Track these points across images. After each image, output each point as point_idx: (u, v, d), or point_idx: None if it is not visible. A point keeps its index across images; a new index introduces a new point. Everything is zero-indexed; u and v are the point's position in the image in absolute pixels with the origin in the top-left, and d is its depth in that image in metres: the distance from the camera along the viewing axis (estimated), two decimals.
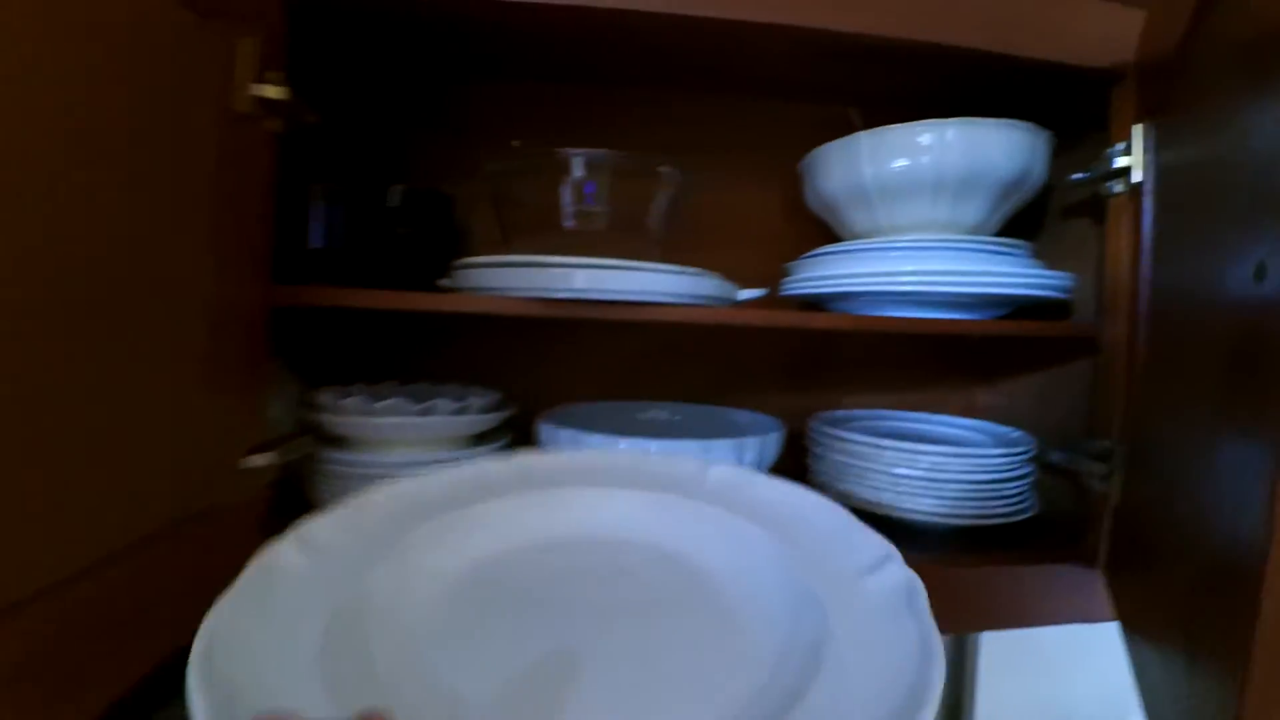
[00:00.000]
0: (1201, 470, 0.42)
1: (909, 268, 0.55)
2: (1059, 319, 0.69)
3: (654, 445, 0.56)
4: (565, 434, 0.59)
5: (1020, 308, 0.63)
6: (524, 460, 0.49)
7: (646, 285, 0.53)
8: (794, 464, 0.83)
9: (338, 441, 0.60)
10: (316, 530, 0.35)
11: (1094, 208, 0.67)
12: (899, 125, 0.58)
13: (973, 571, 0.57)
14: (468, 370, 0.78)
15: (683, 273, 0.54)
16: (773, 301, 0.68)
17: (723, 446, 0.55)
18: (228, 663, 0.24)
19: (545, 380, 0.81)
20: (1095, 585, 0.60)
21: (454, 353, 0.80)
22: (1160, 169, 0.52)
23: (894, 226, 0.62)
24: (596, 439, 0.57)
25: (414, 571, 0.34)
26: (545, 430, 0.62)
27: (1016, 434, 0.64)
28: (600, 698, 0.28)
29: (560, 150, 0.57)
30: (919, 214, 0.61)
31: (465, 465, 0.47)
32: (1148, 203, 0.53)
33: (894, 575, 0.32)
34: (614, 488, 0.44)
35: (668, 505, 0.43)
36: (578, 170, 0.57)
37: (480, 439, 0.67)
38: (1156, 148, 0.52)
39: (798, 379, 0.85)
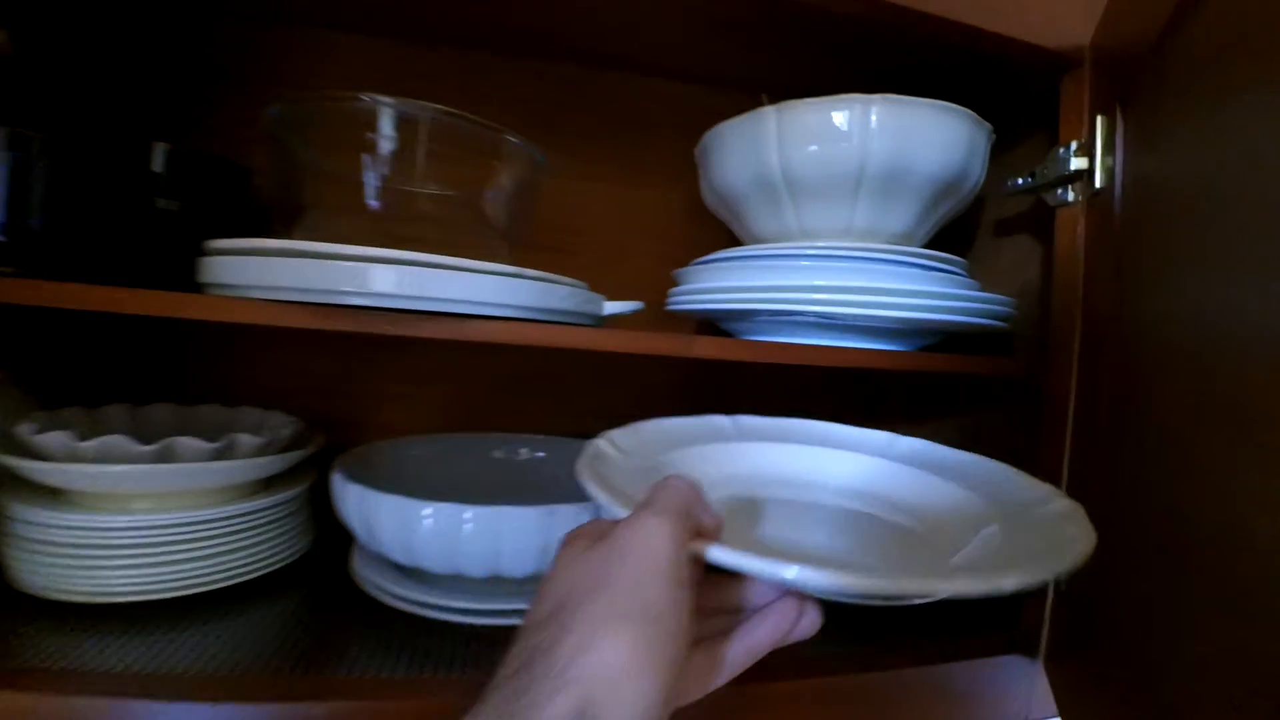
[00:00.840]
0: (1220, 548, 0.31)
1: (821, 282, 0.42)
2: (996, 353, 0.58)
3: (468, 513, 0.40)
4: (353, 491, 0.42)
5: (952, 336, 0.52)
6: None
7: (475, 293, 0.38)
8: None
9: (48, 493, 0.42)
10: (616, 436, 0.41)
11: (1037, 222, 0.57)
12: (813, 100, 0.46)
13: (890, 677, 0.45)
14: (265, 385, 0.60)
15: (525, 277, 0.39)
16: (656, 318, 0.54)
17: (566, 514, 0.40)
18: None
19: (371, 402, 0.64)
20: (1036, 679, 0.49)
21: (245, 361, 0.62)
22: (1134, 175, 0.41)
23: (805, 231, 0.50)
24: (391, 503, 0.41)
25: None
26: (337, 482, 0.45)
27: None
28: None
29: (363, 97, 0.41)
30: (836, 217, 0.49)
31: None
32: (1114, 214, 0.42)
33: (1060, 505, 0.35)
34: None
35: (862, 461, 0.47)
36: (387, 128, 0.41)
37: (269, 484, 0.50)
38: (1127, 148, 0.42)
39: (692, 408, 0.71)
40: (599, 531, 0.27)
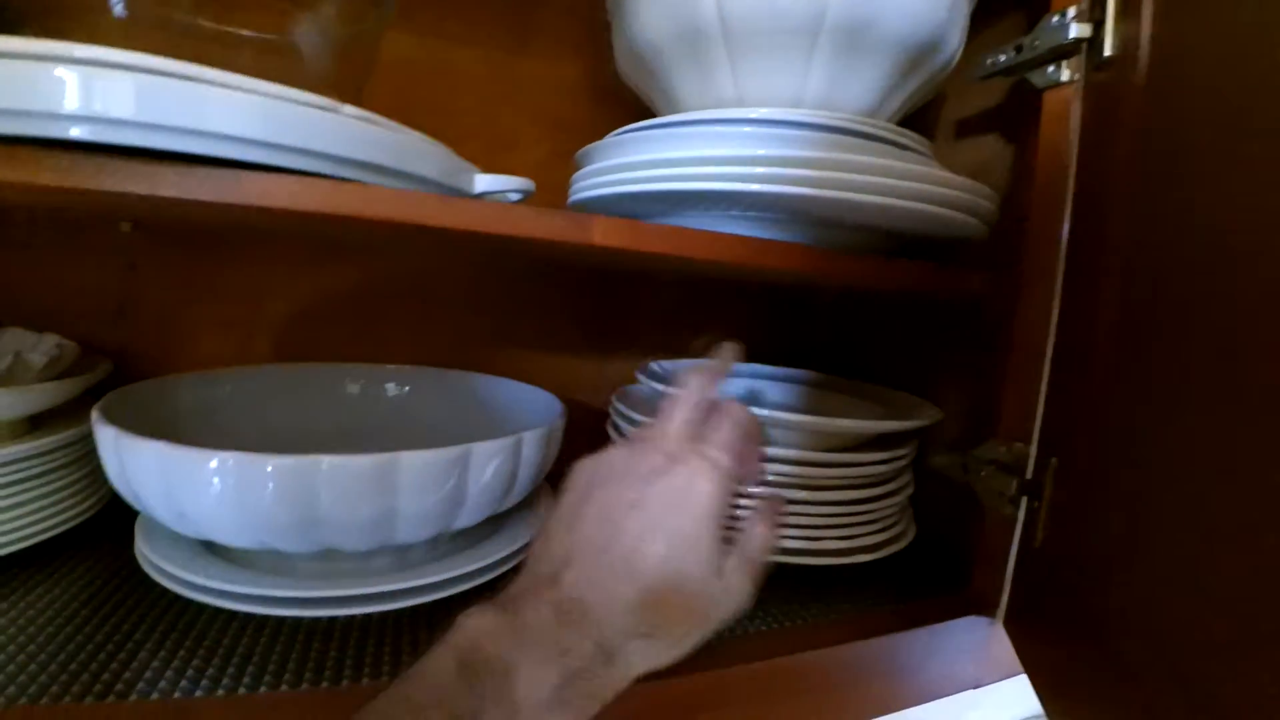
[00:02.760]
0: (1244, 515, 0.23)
1: (765, 152, 0.31)
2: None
3: (325, 462, 0.28)
4: (108, 435, 0.29)
5: (903, 248, 0.43)
6: None
7: (269, 129, 0.24)
8: (592, 453, 0.60)
9: None
10: None
11: (1009, 116, 0.49)
12: None
13: (843, 651, 0.37)
14: (38, 307, 0.45)
15: (346, 114, 0.26)
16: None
17: (412, 464, 0.29)
18: None
19: (186, 329, 0.49)
20: (994, 640, 0.42)
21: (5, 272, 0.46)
22: (1168, 37, 0.32)
23: (745, 102, 0.39)
24: (156, 453, 0.28)
25: None
26: (95, 423, 0.31)
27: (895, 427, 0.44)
28: None
29: None
30: (784, 83, 0.38)
31: None
32: (1132, 92, 0.33)
33: None
34: None
35: None
36: None
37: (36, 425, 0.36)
38: (1157, 6, 0.33)
39: (594, 334, 0.60)
40: (658, 453, 0.27)
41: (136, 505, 0.32)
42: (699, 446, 0.27)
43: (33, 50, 0.22)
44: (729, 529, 0.34)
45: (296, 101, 0.25)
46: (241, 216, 0.29)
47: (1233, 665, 0.24)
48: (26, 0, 0.32)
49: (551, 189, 0.50)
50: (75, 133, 0.23)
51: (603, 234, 0.27)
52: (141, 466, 0.29)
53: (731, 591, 0.26)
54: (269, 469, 0.28)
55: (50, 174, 0.24)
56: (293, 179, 0.25)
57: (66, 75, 0.22)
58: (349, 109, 0.26)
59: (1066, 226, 0.39)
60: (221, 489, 0.28)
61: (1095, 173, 0.37)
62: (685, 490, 0.25)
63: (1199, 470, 0.25)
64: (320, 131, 0.25)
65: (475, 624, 0.23)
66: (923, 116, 0.53)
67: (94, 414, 0.32)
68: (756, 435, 0.31)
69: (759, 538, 0.29)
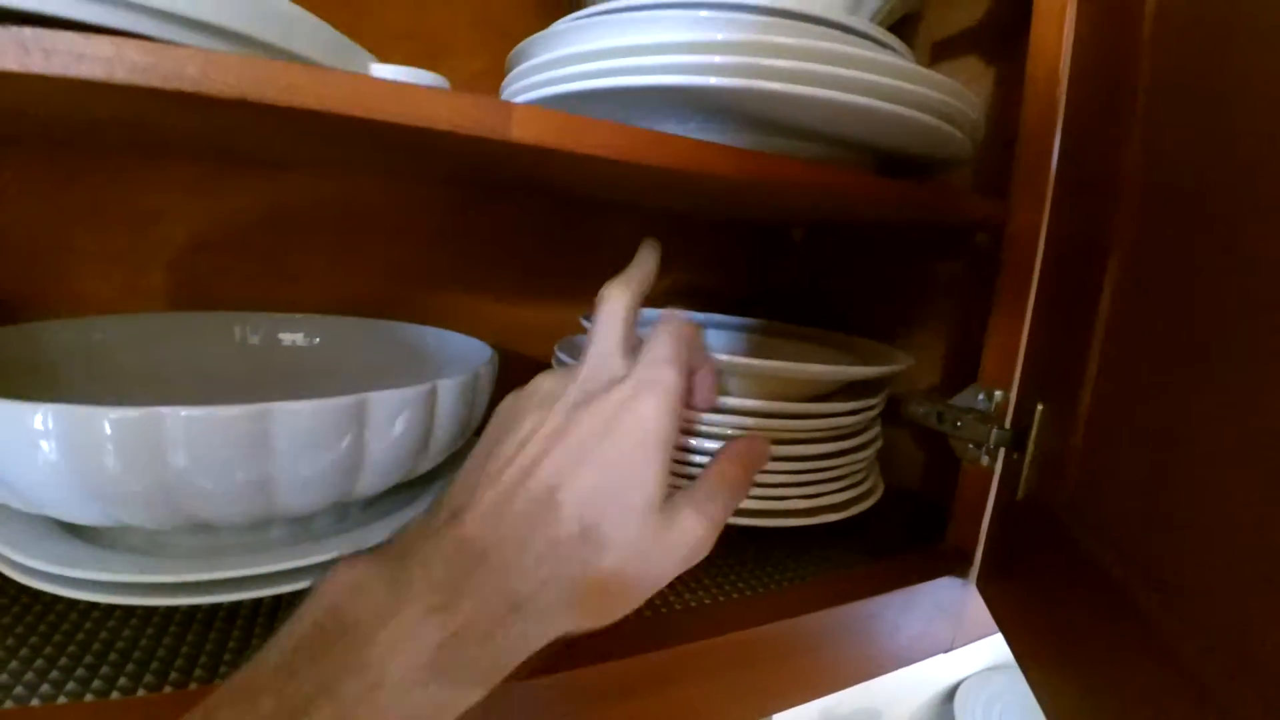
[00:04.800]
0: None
1: (724, 38, 0.26)
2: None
3: (180, 414, 0.22)
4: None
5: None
6: None
7: None
8: None
9: None
10: None
11: (989, 33, 0.44)
12: None
13: (810, 620, 0.33)
14: None
15: None
16: None
17: (288, 415, 0.23)
18: None
19: (57, 264, 0.42)
20: (968, 601, 0.40)
21: None
22: None
23: None
24: (9, 412, 0.22)
25: None
26: None
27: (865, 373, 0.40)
28: None
29: None
30: None
31: None
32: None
33: None
34: None
35: None
36: None
37: None
38: None
39: (538, 278, 0.55)
40: (591, 375, 0.23)
41: None
42: (636, 364, 0.23)
43: None
44: (680, 462, 0.32)
45: None
46: (54, 98, 0.23)
47: (1256, 609, 0.20)
48: None
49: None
50: None
51: (522, 126, 0.22)
52: None
53: (681, 537, 0.22)
54: (107, 426, 0.22)
55: None
56: (110, 40, 0.19)
57: None
58: None
59: (1056, 147, 0.35)
60: (53, 452, 0.23)
61: (1098, 86, 0.32)
62: (620, 412, 0.21)
63: (1229, 410, 0.22)
64: None
65: (340, 579, 0.18)
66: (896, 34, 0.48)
67: None
68: (701, 347, 0.28)
69: (723, 477, 0.24)
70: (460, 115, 0.21)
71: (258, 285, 0.45)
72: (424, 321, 0.44)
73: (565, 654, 0.27)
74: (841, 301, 0.57)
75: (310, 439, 0.24)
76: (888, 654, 0.38)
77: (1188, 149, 0.25)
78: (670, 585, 0.33)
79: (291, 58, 0.23)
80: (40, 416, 0.22)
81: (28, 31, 0.19)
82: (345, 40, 0.26)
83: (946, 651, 0.41)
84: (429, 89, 0.21)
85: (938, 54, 0.48)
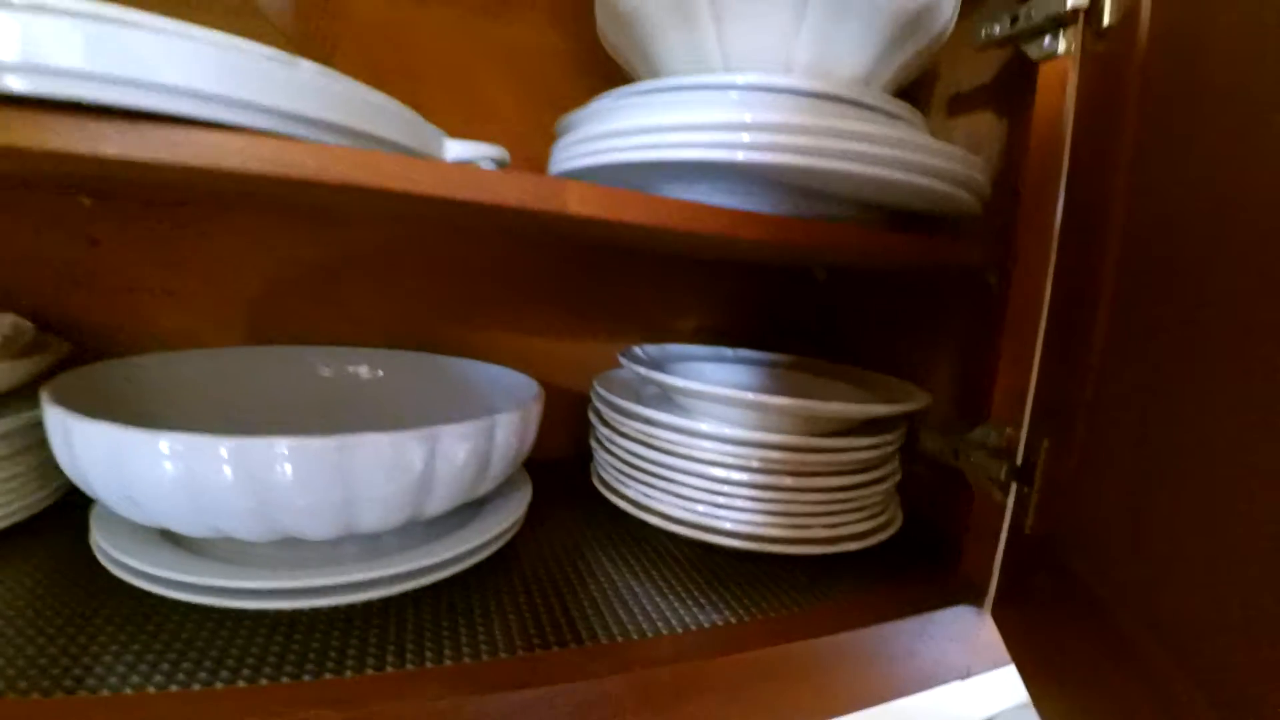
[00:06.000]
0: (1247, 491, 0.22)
1: (753, 118, 0.30)
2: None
3: (283, 444, 0.26)
4: (57, 417, 0.27)
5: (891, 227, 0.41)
6: None
7: (197, 77, 0.22)
8: (574, 439, 0.58)
9: None
10: None
11: (1002, 90, 0.47)
12: None
13: (831, 642, 0.36)
14: None
15: (305, 70, 0.24)
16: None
17: (370, 448, 0.27)
18: None
19: (143, 304, 0.47)
20: (983, 630, 0.41)
21: None
22: (1167, 12, 0.31)
23: (731, 63, 0.37)
24: (105, 436, 0.26)
25: None
26: (44, 405, 0.29)
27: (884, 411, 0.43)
28: None
29: None
30: (772, 45, 0.36)
31: None
32: (1131, 61, 0.32)
33: None
34: None
35: None
36: None
37: None
38: None
39: (577, 314, 0.58)
40: None
41: (90, 493, 0.30)
42: None
43: None
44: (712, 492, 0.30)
45: (251, 54, 0.23)
46: (192, 179, 0.27)
47: (1245, 645, 0.23)
48: None
49: (532, 163, 0.48)
50: (13, 84, 0.21)
51: (578, 201, 0.26)
52: (90, 449, 0.27)
53: None
54: (223, 451, 0.26)
55: None
56: (243, 137, 0.23)
57: (3, 20, 0.20)
58: (307, 63, 0.24)
59: (1061, 200, 0.38)
60: (174, 473, 0.27)
61: (1093, 145, 0.35)
62: None
63: (1206, 446, 0.24)
64: (276, 86, 0.24)
65: None
66: (915, 91, 0.52)
67: (43, 394, 0.30)
68: None
69: None
70: (526, 194, 0.25)
71: (320, 323, 0.49)
72: (472, 355, 0.48)
73: (590, 665, 0.30)
74: (862, 337, 0.60)
75: (390, 466, 0.28)
76: (904, 678, 0.40)
77: (1163, 204, 0.28)
78: (698, 604, 0.36)
79: (379, 140, 0.27)
80: (166, 443, 0.26)
81: (179, 133, 0.23)
82: (421, 120, 0.30)
83: (963, 679, 0.43)
84: (499, 174, 0.25)
85: (953, 108, 0.51)
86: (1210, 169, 0.27)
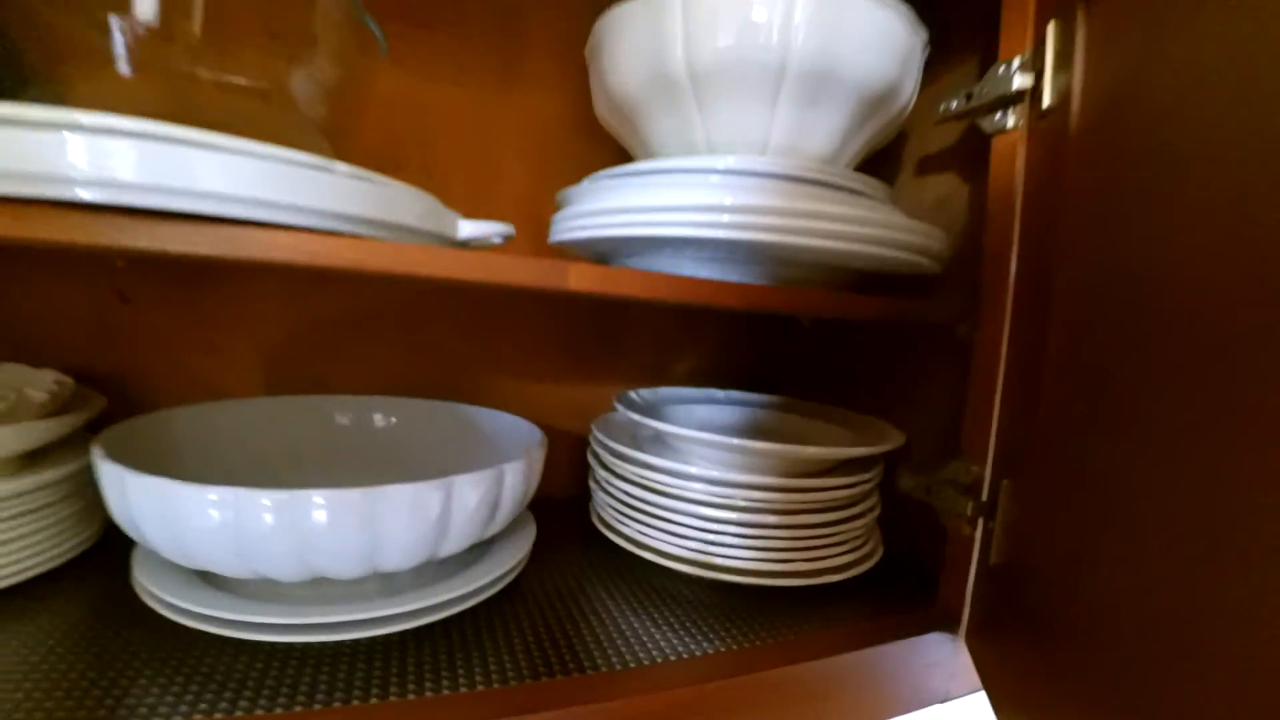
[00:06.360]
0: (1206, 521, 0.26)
1: (732, 201, 0.34)
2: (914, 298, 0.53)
3: (319, 496, 0.30)
4: (110, 472, 0.31)
5: (866, 282, 0.45)
6: None
7: (263, 188, 0.26)
8: (575, 478, 0.62)
9: None
10: None
11: (965, 155, 0.52)
12: None
13: (813, 667, 0.39)
14: (18, 333, 0.46)
15: (339, 173, 0.28)
16: (534, 254, 0.45)
17: (400, 496, 0.30)
18: None
19: (169, 356, 0.51)
20: (958, 656, 0.44)
21: None
22: (1097, 90, 0.35)
23: (714, 146, 0.41)
24: (158, 490, 0.30)
25: None
26: (96, 460, 0.33)
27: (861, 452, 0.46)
28: None
29: None
30: (751, 128, 0.40)
31: None
32: (1066, 138, 0.36)
33: None
34: None
35: None
36: None
37: (33, 461, 0.37)
38: (1089, 57, 0.36)
39: (576, 360, 0.62)
40: None
41: (138, 538, 0.33)
42: None
43: (42, 118, 0.24)
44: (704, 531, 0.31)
45: (293, 162, 0.27)
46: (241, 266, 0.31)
47: (1180, 677, 0.26)
48: (36, 56, 0.34)
49: (534, 220, 0.52)
50: (83, 195, 0.25)
51: (577, 279, 0.29)
52: (144, 502, 0.31)
53: None
54: (265, 503, 0.30)
55: (60, 231, 0.26)
56: (290, 235, 0.27)
57: (74, 141, 0.24)
58: (342, 166, 0.28)
59: (1014, 263, 0.42)
60: (220, 522, 0.30)
61: (1039, 213, 0.39)
62: None
63: (1142, 488, 0.28)
64: (316, 189, 0.28)
65: None
66: (887, 154, 0.56)
67: (95, 450, 0.34)
68: None
69: None
70: (531, 275, 0.29)
71: (337, 373, 0.53)
72: (480, 400, 0.52)
73: (591, 692, 0.33)
74: (846, 379, 0.64)
75: (411, 512, 0.31)
76: (886, 701, 0.43)
77: (1095, 268, 0.32)
78: (691, 635, 0.39)
79: (405, 228, 0.31)
80: (215, 495, 0.30)
81: (233, 231, 0.27)
82: (438, 204, 0.34)
83: (943, 702, 0.46)
84: (511, 259, 0.29)
85: (922, 168, 0.56)
86: (1131, 237, 0.31)
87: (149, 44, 0.32)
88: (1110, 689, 0.29)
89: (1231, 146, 0.25)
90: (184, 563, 0.33)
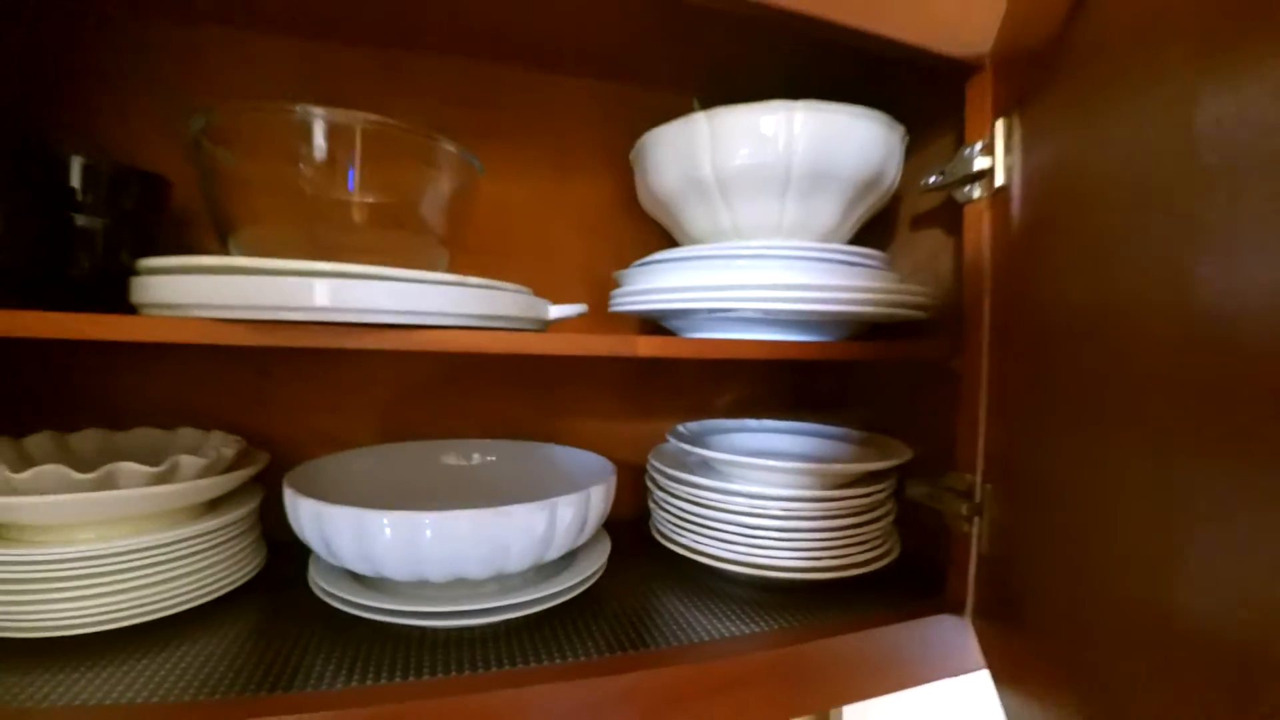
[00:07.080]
0: (1113, 510, 0.35)
1: (755, 280, 0.45)
2: (916, 338, 0.62)
3: (427, 520, 0.41)
4: (307, 506, 0.42)
5: (879, 325, 0.55)
6: None
7: (420, 303, 0.38)
8: (635, 502, 0.72)
9: None
10: None
11: (948, 216, 0.62)
12: (741, 106, 0.48)
13: (839, 641, 0.48)
14: (178, 403, 0.59)
15: (471, 285, 0.40)
16: (596, 318, 0.56)
17: (521, 514, 0.42)
18: None
19: (302, 415, 0.63)
20: (966, 635, 0.53)
21: (161, 378, 0.60)
22: (1029, 171, 0.45)
23: (739, 229, 0.52)
24: (348, 516, 0.41)
25: None
26: (289, 498, 0.45)
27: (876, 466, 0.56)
28: None
29: (294, 108, 0.41)
30: (767, 215, 0.51)
31: None
32: (1014, 209, 0.46)
33: None
34: None
35: None
36: (319, 138, 0.41)
37: (215, 505, 0.49)
38: (1024, 146, 0.46)
39: (632, 401, 0.74)
40: None
41: (325, 554, 0.44)
42: None
43: (287, 268, 0.36)
44: (738, 541, 0.39)
45: (437, 282, 0.39)
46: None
47: (1116, 654, 0.34)
48: (225, 212, 0.46)
49: (591, 287, 0.64)
50: (296, 316, 0.37)
51: (645, 347, 0.41)
52: (335, 525, 0.42)
53: None
54: (426, 521, 0.41)
55: (306, 339, 0.38)
56: (446, 332, 0.39)
57: (288, 283, 0.36)
58: (474, 279, 0.40)
59: (987, 309, 0.51)
60: (391, 538, 0.41)
61: (1002, 268, 0.49)
62: None
63: (1081, 492, 0.37)
64: (456, 299, 0.39)
65: None
66: (886, 215, 0.66)
67: (287, 490, 0.45)
68: None
69: None
70: (609, 347, 0.40)
71: (437, 420, 0.65)
72: (555, 439, 0.63)
73: (660, 662, 0.43)
74: (860, 406, 0.73)
75: (528, 526, 0.42)
76: (902, 673, 0.52)
77: (1041, 314, 0.42)
78: (737, 620, 0.49)
79: (514, 318, 0.43)
80: (385, 519, 0.41)
81: (412, 333, 0.39)
82: (533, 296, 0.46)
83: (955, 676, 0.54)
84: (595, 336, 0.40)
85: (915, 225, 0.66)
86: (1063, 286, 0.41)
87: (322, 189, 0.44)
88: (1069, 667, 0.38)
89: (1115, 213, 0.35)
90: (365, 572, 0.44)
